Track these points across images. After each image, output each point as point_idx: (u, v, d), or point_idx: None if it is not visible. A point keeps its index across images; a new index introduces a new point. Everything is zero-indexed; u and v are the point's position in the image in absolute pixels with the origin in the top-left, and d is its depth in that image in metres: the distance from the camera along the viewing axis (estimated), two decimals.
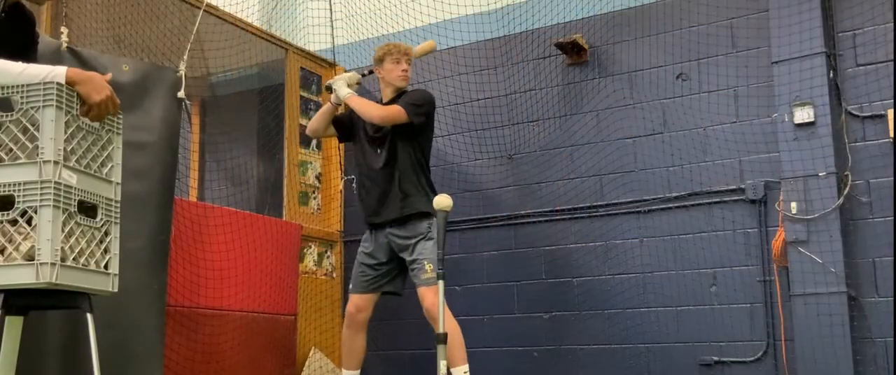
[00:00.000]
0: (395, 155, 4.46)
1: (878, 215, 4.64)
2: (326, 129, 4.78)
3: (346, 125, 4.71)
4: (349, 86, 4.62)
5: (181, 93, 4.32)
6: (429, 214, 4.41)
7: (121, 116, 2.86)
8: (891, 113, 4.60)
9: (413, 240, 4.39)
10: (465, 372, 4.25)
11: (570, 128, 5.58)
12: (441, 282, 4.18)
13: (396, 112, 4.40)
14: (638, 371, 5.17)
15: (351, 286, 4.64)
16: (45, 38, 4.03)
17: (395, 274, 4.55)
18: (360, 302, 4.50)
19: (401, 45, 4.62)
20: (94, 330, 2.73)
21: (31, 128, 2.57)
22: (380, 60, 4.60)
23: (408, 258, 4.41)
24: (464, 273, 5.78)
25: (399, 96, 4.56)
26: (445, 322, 4.21)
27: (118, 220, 2.83)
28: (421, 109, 4.45)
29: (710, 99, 5.16)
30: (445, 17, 5.83)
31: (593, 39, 5.56)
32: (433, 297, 4.26)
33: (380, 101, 4.64)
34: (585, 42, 5.52)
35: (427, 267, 4.31)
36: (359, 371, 4.63)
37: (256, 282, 5.09)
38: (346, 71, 6.33)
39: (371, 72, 4.72)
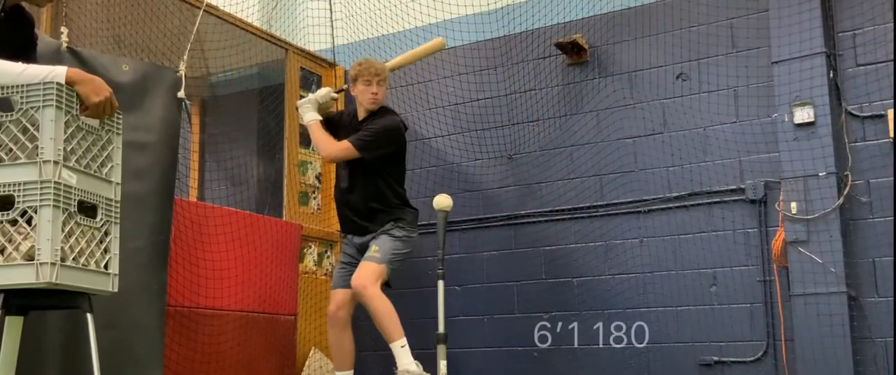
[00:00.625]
0: (358, 178, 4.54)
1: (878, 215, 4.63)
2: None
3: (335, 125, 4.75)
4: (321, 102, 4.67)
5: (181, 93, 4.32)
6: (395, 222, 4.45)
7: (121, 116, 2.87)
8: (891, 113, 4.60)
9: (374, 237, 4.48)
10: (402, 346, 4.27)
11: (570, 128, 5.58)
12: (441, 282, 4.20)
13: (344, 150, 4.47)
14: (638, 371, 5.17)
15: (332, 285, 4.69)
16: (44, 38, 4.03)
17: None
18: (339, 299, 4.55)
19: (374, 66, 4.55)
20: (94, 330, 2.73)
21: (31, 128, 2.57)
22: (353, 80, 4.60)
23: None
24: (464, 273, 5.78)
25: (371, 116, 4.58)
26: (374, 300, 4.26)
27: (118, 220, 2.83)
28: (374, 143, 4.45)
29: (710, 99, 5.15)
30: (445, 17, 5.83)
31: (593, 39, 5.56)
32: (363, 276, 4.31)
33: (356, 116, 4.65)
34: (585, 42, 5.52)
35: (372, 247, 4.41)
36: (352, 371, 4.64)
37: (256, 282, 5.09)
38: (345, 71, 6.34)
39: (345, 89, 4.73)
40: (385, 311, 4.27)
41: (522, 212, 5.66)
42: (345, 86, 4.74)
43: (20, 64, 2.63)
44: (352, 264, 4.57)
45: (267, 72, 6.18)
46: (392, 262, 4.40)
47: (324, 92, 4.72)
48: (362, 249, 4.54)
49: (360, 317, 4.72)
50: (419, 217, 4.67)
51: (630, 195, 5.33)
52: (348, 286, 4.55)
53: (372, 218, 4.51)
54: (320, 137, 4.58)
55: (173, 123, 4.30)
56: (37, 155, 2.55)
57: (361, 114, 4.64)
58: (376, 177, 4.51)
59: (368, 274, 4.33)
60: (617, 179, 5.38)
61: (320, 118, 4.63)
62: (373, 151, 4.47)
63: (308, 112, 4.63)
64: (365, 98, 4.57)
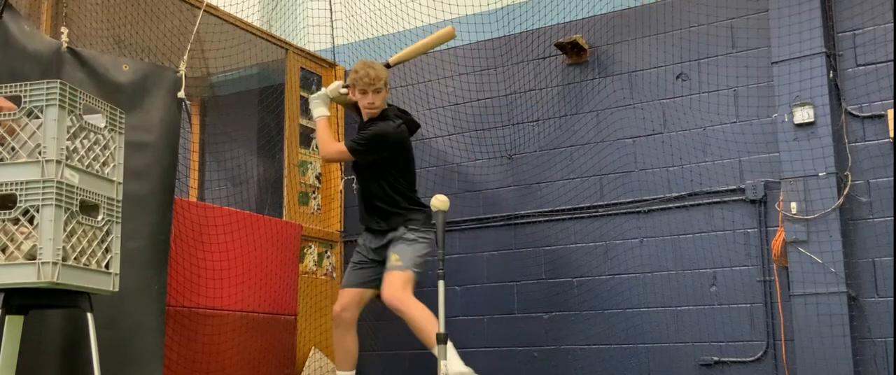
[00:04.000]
0: (364, 179, 4.57)
1: (878, 215, 4.64)
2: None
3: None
4: (333, 97, 4.70)
5: (181, 93, 4.32)
6: (406, 226, 4.44)
7: (123, 116, 2.86)
8: (891, 113, 4.60)
9: (390, 244, 4.45)
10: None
11: (570, 128, 5.58)
12: (441, 282, 4.17)
13: (340, 152, 4.55)
14: (638, 371, 5.17)
15: (343, 283, 4.68)
16: (44, 38, 4.03)
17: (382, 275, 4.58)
18: (346, 299, 4.53)
19: (368, 74, 4.44)
20: (95, 330, 2.73)
21: (34, 128, 2.57)
22: (351, 87, 4.59)
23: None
24: (464, 273, 5.77)
25: (370, 121, 4.57)
26: (410, 309, 4.24)
27: (119, 220, 2.83)
28: (364, 147, 4.46)
29: (710, 99, 5.16)
30: (445, 17, 5.83)
31: (593, 39, 5.56)
32: (392, 288, 4.29)
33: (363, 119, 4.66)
34: (585, 42, 5.52)
35: (393, 256, 4.37)
36: (354, 371, 4.64)
37: (256, 282, 5.09)
38: (345, 71, 6.33)
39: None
40: (422, 317, 4.21)
41: (522, 212, 5.66)
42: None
43: None
44: (363, 264, 4.56)
45: (267, 72, 6.18)
46: (416, 266, 4.39)
47: (334, 86, 4.72)
48: (379, 253, 4.52)
49: (362, 317, 4.71)
50: None
51: (630, 195, 5.33)
52: (358, 285, 4.54)
53: (384, 217, 4.51)
54: (323, 136, 4.62)
55: (173, 123, 4.30)
56: (39, 154, 2.54)
57: (365, 116, 4.65)
58: (379, 179, 4.51)
59: (397, 285, 4.30)
60: (617, 179, 5.39)
61: (328, 115, 4.67)
62: (363, 155, 4.49)
63: (318, 108, 4.65)
64: (361, 106, 4.58)
